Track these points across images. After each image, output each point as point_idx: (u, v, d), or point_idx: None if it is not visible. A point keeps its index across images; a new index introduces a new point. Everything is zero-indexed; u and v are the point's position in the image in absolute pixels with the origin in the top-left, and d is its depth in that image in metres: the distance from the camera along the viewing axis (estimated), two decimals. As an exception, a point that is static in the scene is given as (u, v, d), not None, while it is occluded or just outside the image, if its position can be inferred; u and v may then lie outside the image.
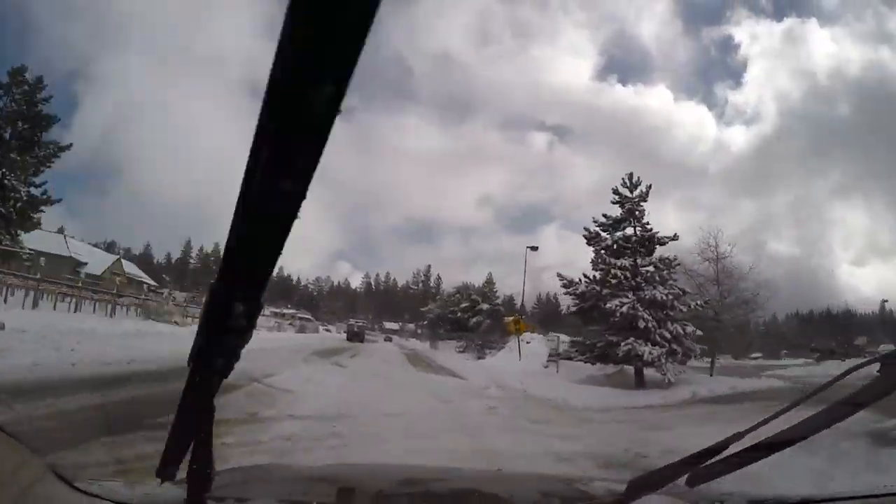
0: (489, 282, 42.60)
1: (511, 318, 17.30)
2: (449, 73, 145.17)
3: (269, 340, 17.63)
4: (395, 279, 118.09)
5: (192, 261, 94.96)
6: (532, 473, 2.66)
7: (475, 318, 34.24)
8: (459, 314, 36.73)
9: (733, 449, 0.90)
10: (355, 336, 39.00)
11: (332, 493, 1.28)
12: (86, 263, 41.39)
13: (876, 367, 0.84)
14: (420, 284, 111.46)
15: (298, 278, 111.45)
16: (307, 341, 23.96)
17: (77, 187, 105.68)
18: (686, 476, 0.93)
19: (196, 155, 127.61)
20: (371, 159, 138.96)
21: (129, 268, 53.13)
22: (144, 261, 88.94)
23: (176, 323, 18.41)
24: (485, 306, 35.48)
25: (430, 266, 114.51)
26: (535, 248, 28.38)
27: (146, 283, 53.69)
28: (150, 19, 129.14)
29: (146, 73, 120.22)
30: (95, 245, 58.04)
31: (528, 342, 19.40)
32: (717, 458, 0.91)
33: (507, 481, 1.68)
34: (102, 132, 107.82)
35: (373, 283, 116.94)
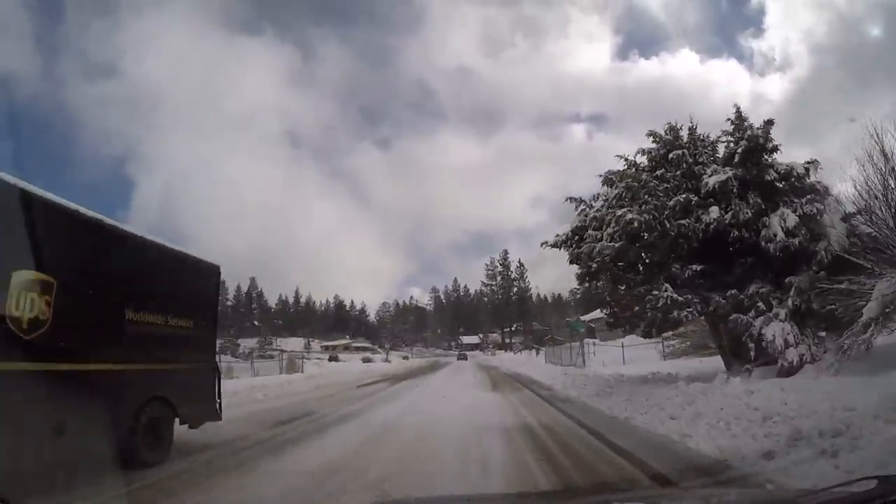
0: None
1: None
2: (470, 86, 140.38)
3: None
4: (465, 285, 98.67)
5: (229, 301, 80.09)
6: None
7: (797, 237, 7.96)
8: (715, 224, 8.76)
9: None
10: None
11: None
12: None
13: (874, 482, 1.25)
14: (498, 277, 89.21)
15: (352, 302, 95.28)
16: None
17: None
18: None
19: (243, 207, 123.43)
20: (415, 183, 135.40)
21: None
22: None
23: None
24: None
25: (506, 251, 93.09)
26: None
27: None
28: (179, 92, 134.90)
29: (185, 140, 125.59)
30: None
31: None
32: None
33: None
34: (159, 203, 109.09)
35: (441, 295, 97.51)
